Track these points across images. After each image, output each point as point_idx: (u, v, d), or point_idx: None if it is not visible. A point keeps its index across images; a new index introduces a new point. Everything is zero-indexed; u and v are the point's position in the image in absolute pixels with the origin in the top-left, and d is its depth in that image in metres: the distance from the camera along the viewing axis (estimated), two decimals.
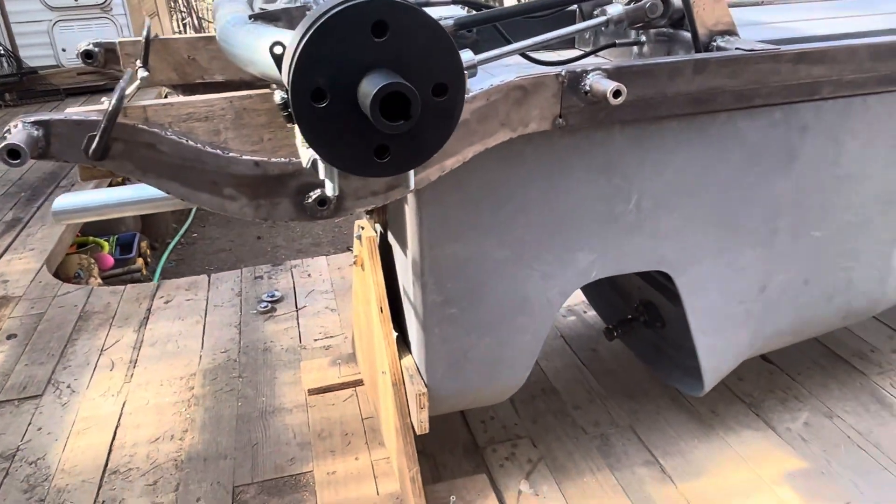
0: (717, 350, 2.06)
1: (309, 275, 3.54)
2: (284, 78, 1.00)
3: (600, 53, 2.01)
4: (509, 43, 1.72)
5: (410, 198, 1.63)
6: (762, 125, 1.77)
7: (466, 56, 1.59)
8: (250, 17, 1.31)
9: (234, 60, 1.32)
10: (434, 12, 1.90)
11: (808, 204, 1.94)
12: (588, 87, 1.51)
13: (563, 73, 1.50)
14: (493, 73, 1.68)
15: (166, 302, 3.33)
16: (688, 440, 2.26)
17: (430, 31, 0.99)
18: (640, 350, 2.49)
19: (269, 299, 3.25)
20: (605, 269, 1.84)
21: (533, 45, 1.71)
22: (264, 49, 1.13)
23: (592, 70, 1.52)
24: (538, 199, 1.69)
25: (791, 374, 2.54)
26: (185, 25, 11.76)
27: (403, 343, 1.98)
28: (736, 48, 1.67)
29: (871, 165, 1.96)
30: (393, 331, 1.91)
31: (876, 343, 2.70)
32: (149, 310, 3.27)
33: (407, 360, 1.92)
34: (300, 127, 0.99)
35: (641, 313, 2.38)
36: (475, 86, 1.46)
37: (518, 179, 1.65)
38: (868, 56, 1.75)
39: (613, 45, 1.98)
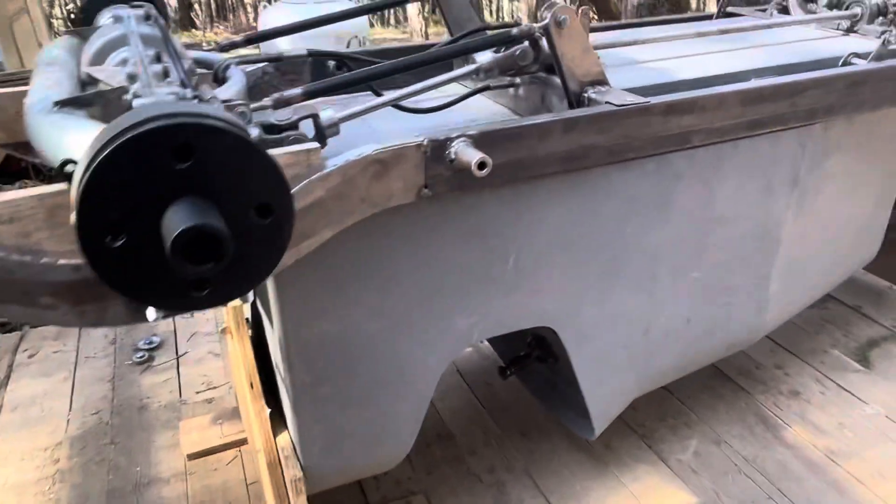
0: (605, 396, 2.03)
1: (191, 314, 3.31)
2: (74, 206, 0.85)
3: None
4: (379, 96, 1.63)
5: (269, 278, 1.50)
6: (636, 176, 1.74)
7: (326, 115, 1.48)
8: (56, 103, 1.13)
9: (39, 155, 1.15)
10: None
11: (686, 247, 1.94)
12: (453, 156, 1.42)
13: (424, 142, 1.40)
14: (368, 120, 1.58)
15: (30, 356, 3.03)
16: (583, 480, 2.23)
17: (244, 150, 0.86)
18: (534, 387, 2.44)
19: (146, 347, 3.01)
20: (486, 330, 1.77)
21: (402, 97, 1.62)
22: (64, 156, 0.97)
23: (457, 137, 1.43)
24: (409, 268, 1.59)
25: (681, 398, 2.57)
26: (70, 13, 10.83)
27: (280, 417, 1.84)
28: (606, 101, 1.62)
29: (743, 205, 1.97)
30: (266, 407, 1.77)
31: (759, 358, 2.78)
32: (10, 367, 2.96)
33: (283, 438, 1.79)
34: (92, 268, 0.84)
35: (534, 349, 2.33)
36: (345, 141, 1.36)
37: (385, 251, 1.55)
38: (736, 102, 1.74)
39: (487, 88, 1.91)
